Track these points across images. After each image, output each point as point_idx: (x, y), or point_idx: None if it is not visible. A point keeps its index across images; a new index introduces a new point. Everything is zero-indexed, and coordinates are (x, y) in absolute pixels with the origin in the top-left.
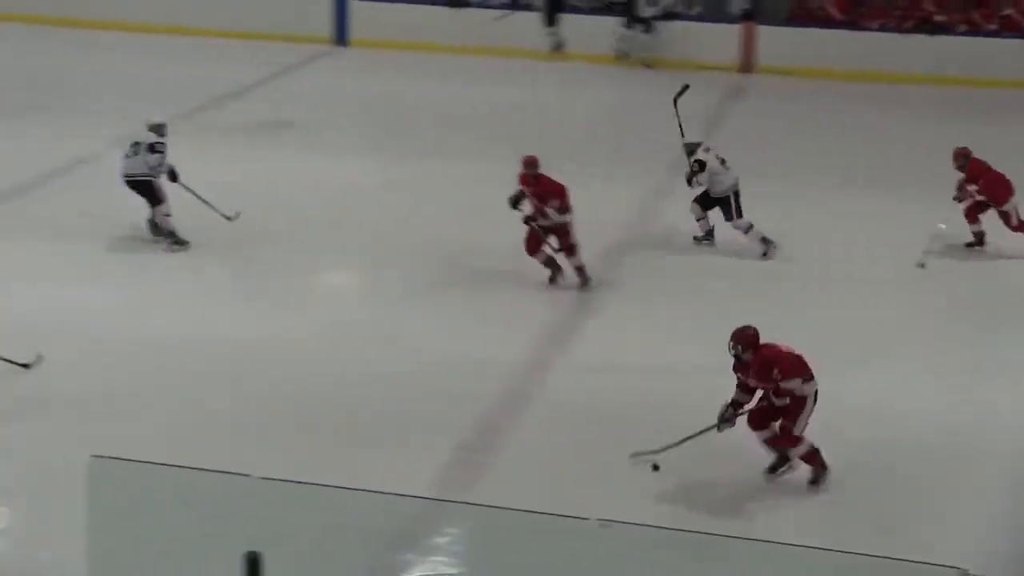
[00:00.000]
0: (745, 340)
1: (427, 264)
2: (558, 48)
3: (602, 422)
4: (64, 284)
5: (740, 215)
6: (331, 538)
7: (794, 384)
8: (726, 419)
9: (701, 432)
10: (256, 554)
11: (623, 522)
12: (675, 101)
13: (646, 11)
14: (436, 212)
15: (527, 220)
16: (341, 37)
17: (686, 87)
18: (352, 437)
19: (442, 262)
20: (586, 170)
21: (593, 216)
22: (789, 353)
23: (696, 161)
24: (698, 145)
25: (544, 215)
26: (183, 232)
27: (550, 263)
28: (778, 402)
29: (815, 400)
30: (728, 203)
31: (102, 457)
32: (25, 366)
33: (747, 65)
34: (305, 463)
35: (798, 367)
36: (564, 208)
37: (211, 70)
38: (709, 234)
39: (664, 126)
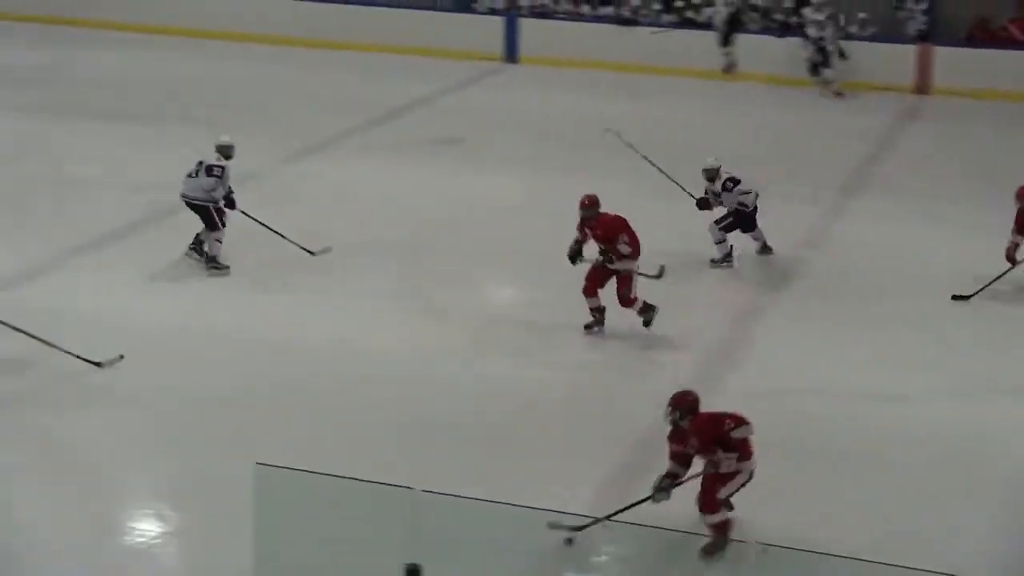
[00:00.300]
0: (686, 406)
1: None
2: (730, 68)
3: (766, 446)
4: (222, 292)
5: (725, 232)
6: (491, 553)
7: (746, 432)
8: (661, 488)
9: (631, 506)
10: (416, 566)
11: (782, 546)
12: (624, 141)
13: (829, 46)
14: None
15: (604, 264)
16: (511, 54)
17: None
18: (513, 453)
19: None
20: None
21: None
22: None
23: (730, 179)
24: (718, 170)
25: (618, 254)
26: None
27: (597, 312)
28: (724, 463)
29: (749, 478)
30: (735, 218)
31: (266, 465)
32: (98, 364)
33: (923, 86)
34: (464, 477)
35: (746, 422)
36: (634, 246)
37: (383, 85)
38: (766, 246)
39: (834, 149)
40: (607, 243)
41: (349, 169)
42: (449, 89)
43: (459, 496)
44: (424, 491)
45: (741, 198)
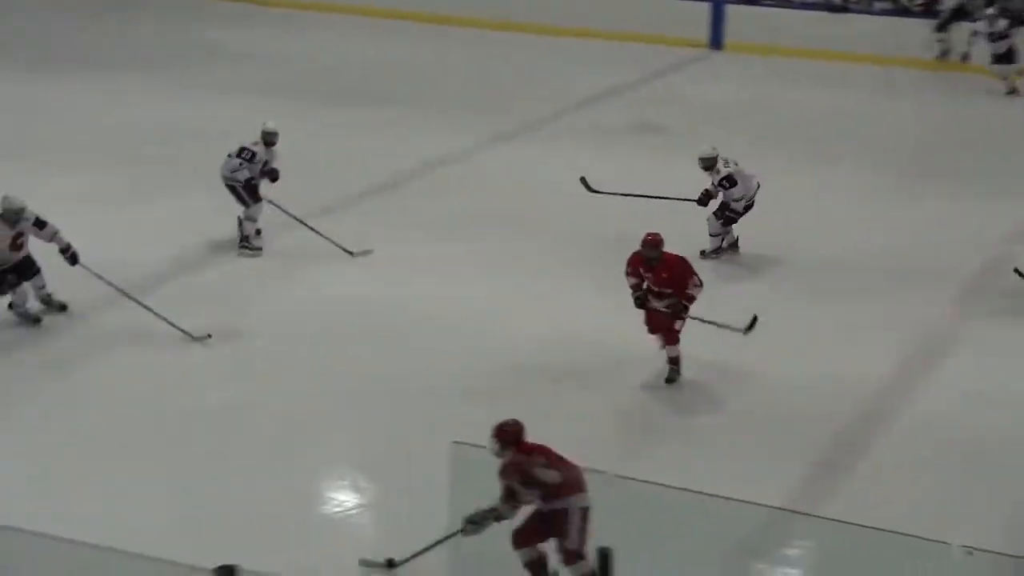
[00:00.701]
0: (504, 437)
1: (795, 274)
2: (944, 55)
3: (966, 449)
4: (445, 279)
5: (724, 226)
6: (682, 540)
7: (551, 476)
8: (473, 522)
9: (443, 540)
10: (607, 550)
11: (986, 550)
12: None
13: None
14: (799, 223)
15: (682, 311)
16: (716, 41)
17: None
18: (705, 442)
19: (810, 273)
20: (959, 187)
21: (968, 235)
22: (552, 451)
23: (725, 179)
24: (715, 159)
25: (690, 299)
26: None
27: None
28: (546, 507)
29: (585, 517)
30: (729, 210)
31: (463, 443)
32: (194, 337)
33: None
34: (655, 465)
35: (563, 463)
36: (700, 284)
37: (586, 71)
38: (734, 245)
39: None
40: (675, 287)
41: (548, 154)
42: (652, 75)
43: (651, 482)
44: (618, 476)
45: (734, 204)
